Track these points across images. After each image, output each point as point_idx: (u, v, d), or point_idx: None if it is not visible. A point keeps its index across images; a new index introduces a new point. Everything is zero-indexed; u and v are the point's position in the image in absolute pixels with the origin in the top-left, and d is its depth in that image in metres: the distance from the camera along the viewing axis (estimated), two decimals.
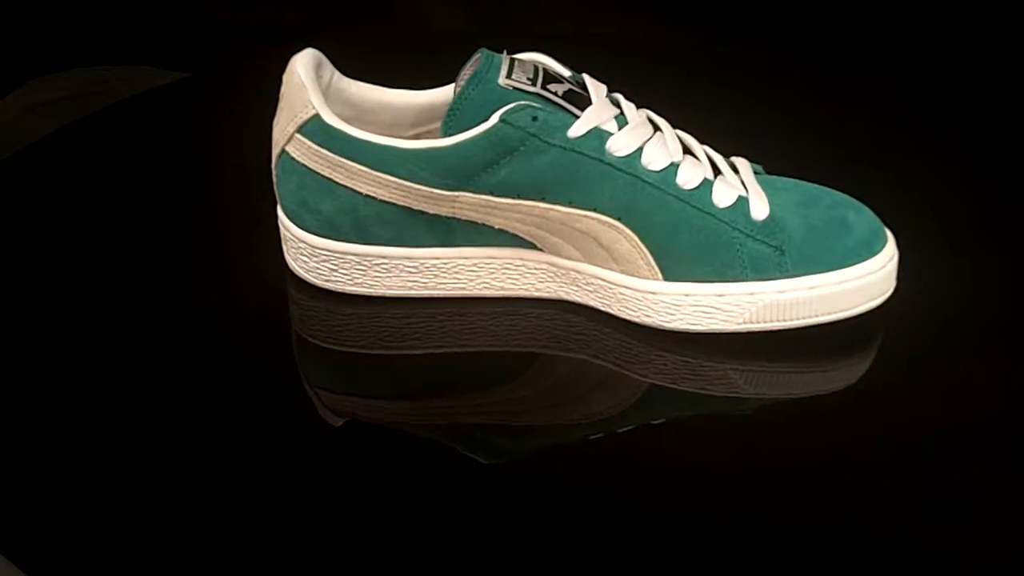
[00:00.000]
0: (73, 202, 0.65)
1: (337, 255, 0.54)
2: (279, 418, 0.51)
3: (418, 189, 0.51)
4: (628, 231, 0.52)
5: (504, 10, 0.82)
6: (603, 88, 0.53)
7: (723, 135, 0.56)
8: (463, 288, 0.55)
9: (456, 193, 0.51)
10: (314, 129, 0.51)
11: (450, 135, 0.51)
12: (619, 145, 0.51)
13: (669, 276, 0.52)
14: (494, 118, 0.50)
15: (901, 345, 0.55)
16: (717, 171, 0.54)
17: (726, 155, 0.55)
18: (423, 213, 0.52)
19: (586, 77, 0.54)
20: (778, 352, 0.53)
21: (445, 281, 0.54)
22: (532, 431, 0.52)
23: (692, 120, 0.55)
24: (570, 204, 0.51)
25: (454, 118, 0.50)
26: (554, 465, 0.49)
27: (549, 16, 0.85)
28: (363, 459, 0.49)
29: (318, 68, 0.53)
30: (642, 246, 0.52)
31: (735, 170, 0.54)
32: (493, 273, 0.54)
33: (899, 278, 0.54)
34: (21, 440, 0.49)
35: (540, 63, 0.53)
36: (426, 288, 0.55)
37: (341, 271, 0.54)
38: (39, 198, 0.66)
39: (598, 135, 0.51)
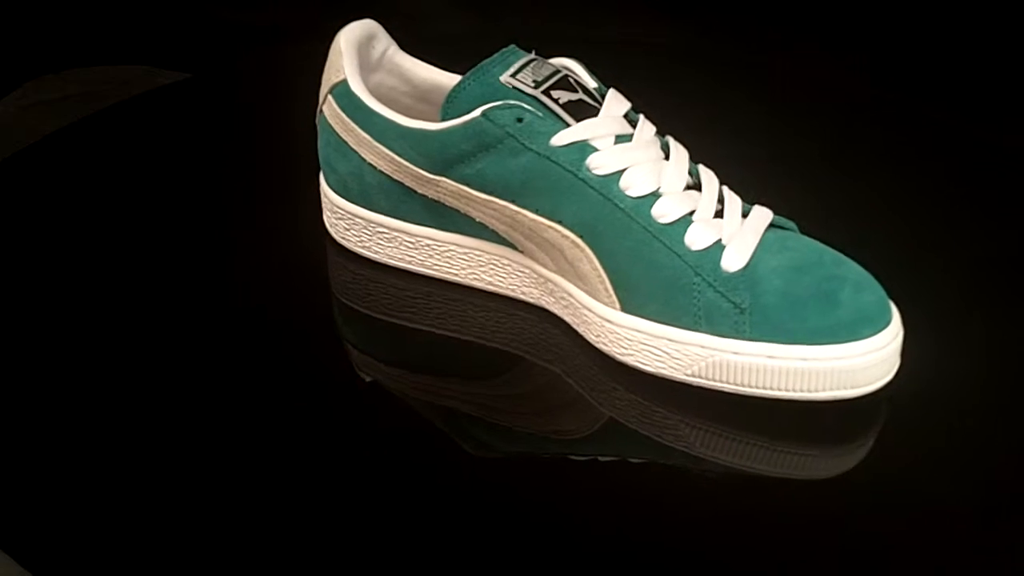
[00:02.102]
0: (73, 201, 0.65)
1: (349, 215, 0.57)
2: (281, 358, 0.54)
3: (406, 166, 0.53)
4: (589, 251, 0.50)
5: (506, 13, 0.79)
6: (623, 106, 0.52)
7: (716, 137, 0.54)
8: (455, 275, 0.56)
9: (438, 178, 0.52)
10: (340, 93, 0.54)
11: (444, 120, 0.52)
12: (599, 163, 0.50)
13: (626, 307, 0.50)
14: (476, 112, 0.50)
15: (892, 441, 0.50)
16: (720, 213, 0.50)
17: (751, 201, 0.52)
18: (414, 191, 0.54)
19: (611, 92, 0.52)
20: (743, 420, 0.50)
21: (439, 263, 0.56)
22: (506, 432, 0.53)
23: (685, 122, 0.53)
24: (537, 212, 0.51)
25: (450, 105, 0.51)
26: (520, 471, 0.49)
27: (551, 18, 0.81)
28: (342, 411, 0.52)
29: (370, 39, 0.56)
30: (601, 270, 0.50)
31: (744, 216, 0.51)
32: (482, 266, 0.55)
33: (904, 363, 0.49)
34: (36, 431, 0.50)
35: (565, 69, 0.52)
36: (423, 266, 0.56)
37: (352, 231, 0.57)
38: (39, 198, 0.66)
39: (581, 149, 0.50)
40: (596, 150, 0.50)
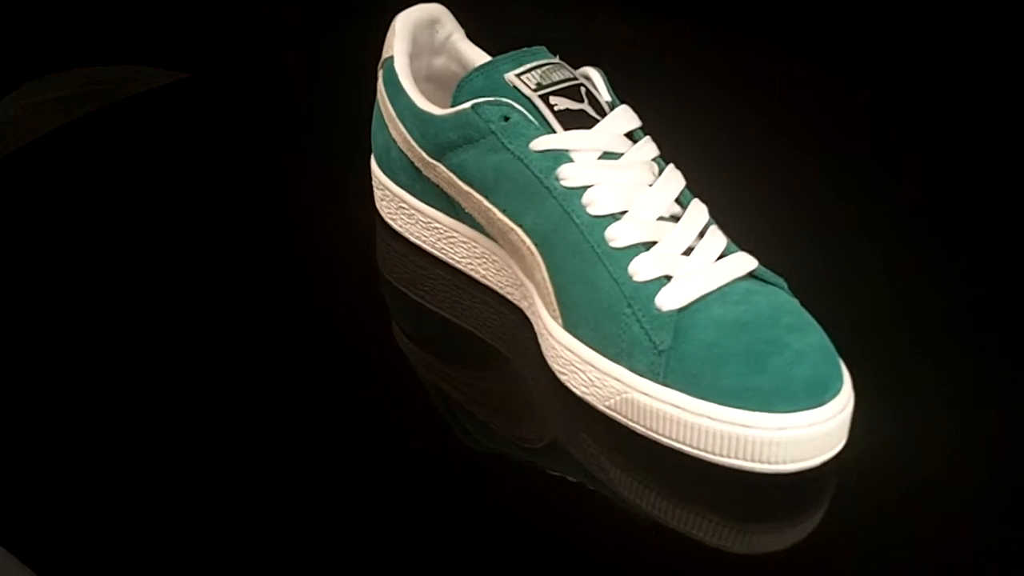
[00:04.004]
0: (70, 199, 0.65)
1: (382, 186, 0.59)
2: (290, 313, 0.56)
3: (414, 147, 0.54)
4: (541, 261, 0.49)
5: (506, 13, 0.73)
6: (627, 124, 0.50)
7: (710, 146, 0.53)
8: (458, 263, 0.56)
9: (435, 162, 0.53)
10: (387, 69, 0.57)
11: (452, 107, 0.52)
12: (569, 175, 0.48)
13: (565, 325, 0.49)
14: (467, 104, 0.50)
15: (814, 529, 0.46)
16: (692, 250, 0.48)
17: (743, 244, 0.49)
18: (421, 172, 0.55)
19: (619, 108, 0.51)
20: (661, 469, 0.47)
21: (444, 248, 0.57)
22: (478, 426, 0.53)
23: (683, 130, 0.52)
24: (504, 212, 0.50)
25: (458, 93, 0.52)
26: (478, 469, 0.49)
27: (550, 18, 0.73)
28: (336, 368, 0.54)
29: (433, 23, 0.57)
30: (548, 282, 0.49)
31: (720, 258, 0.48)
32: (478, 258, 0.55)
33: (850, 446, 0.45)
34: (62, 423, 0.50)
35: (582, 77, 0.51)
36: (434, 248, 0.57)
37: (384, 202, 0.59)
38: (37, 195, 0.66)
39: (556, 157, 0.49)
40: (571, 161, 0.49)
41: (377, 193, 0.60)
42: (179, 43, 0.98)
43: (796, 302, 0.47)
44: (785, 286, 0.48)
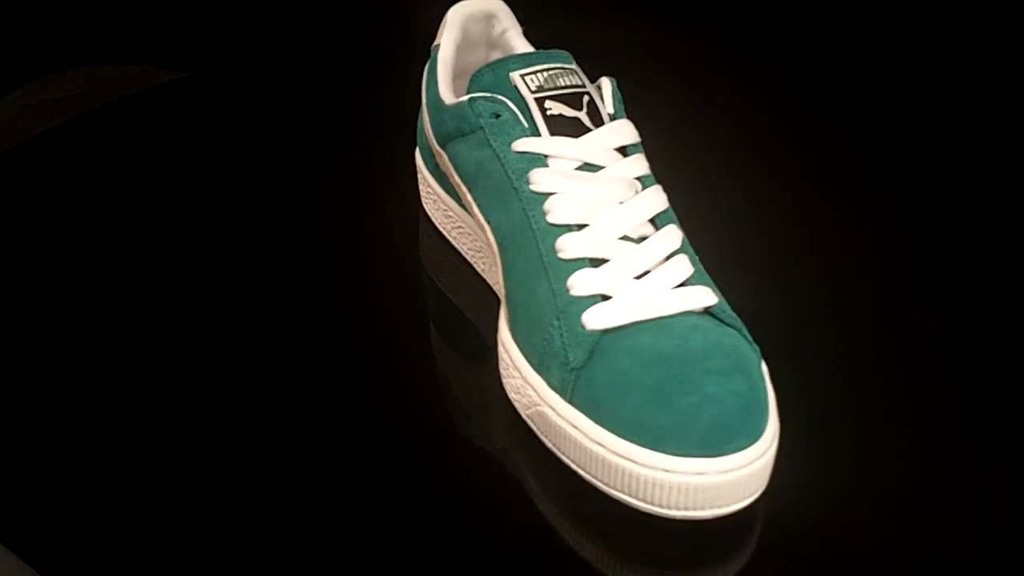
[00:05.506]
0: (71, 199, 0.65)
1: (419, 168, 0.60)
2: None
3: (428, 132, 0.55)
4: (499, 260, 0.49)
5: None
6: (621, 138, 0.49)
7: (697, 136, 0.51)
8: (464, 252, 0.57)
9: (440, 150, 0.54)
10: (433, 56, 0.58)
11: None
12: (538, 180, 0.48)
13: (510, 327, 0.48)
14: (466, 96, 0.51)
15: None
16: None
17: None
18: (435, 159, 0.56)
19: (617, 122, 0.50)
20: (580, 495, 0.45)
21: (454, 236, 0.57)
22: (463, 419, 0.54)
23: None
24: (479, 207, 0.50)
25: (468, 86, 0.52)
26: (450, 465, 0.48)
27: (548, 18, 0.65)
28: (333, 349, 0.54)
29: (489, 17, 0.58)
30: (502, 283, 0.49)
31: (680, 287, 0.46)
32: (479, 251, 0.55)
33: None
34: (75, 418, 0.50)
35: (591, 86, 0.50)
36: (449, 235, 0.58)
37: (421, 185, 0.61)
38: (37, 195, 0.66)
39: (531, 160, 0.48)
40: (545, 167, 0.48)
41: (419, 176, 0.61)
42: (179, 43, 0.96)
43: (748, 347, 0.45)
44: (743, 328, 0.46)
